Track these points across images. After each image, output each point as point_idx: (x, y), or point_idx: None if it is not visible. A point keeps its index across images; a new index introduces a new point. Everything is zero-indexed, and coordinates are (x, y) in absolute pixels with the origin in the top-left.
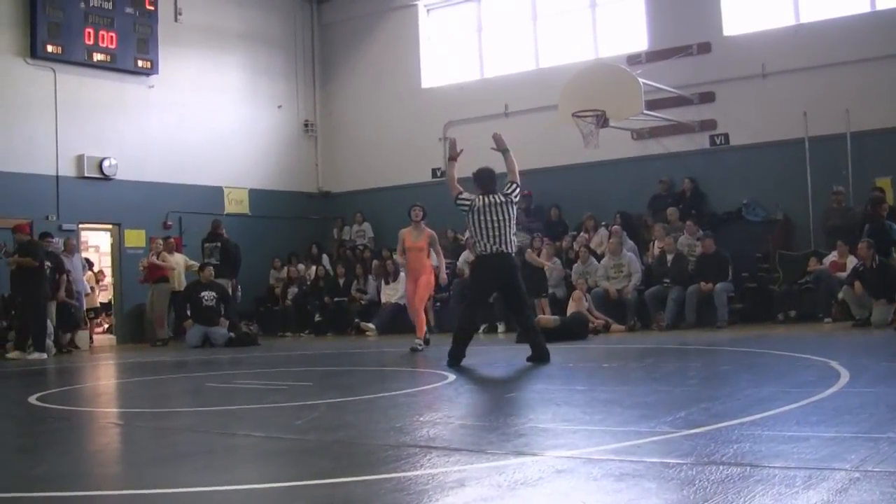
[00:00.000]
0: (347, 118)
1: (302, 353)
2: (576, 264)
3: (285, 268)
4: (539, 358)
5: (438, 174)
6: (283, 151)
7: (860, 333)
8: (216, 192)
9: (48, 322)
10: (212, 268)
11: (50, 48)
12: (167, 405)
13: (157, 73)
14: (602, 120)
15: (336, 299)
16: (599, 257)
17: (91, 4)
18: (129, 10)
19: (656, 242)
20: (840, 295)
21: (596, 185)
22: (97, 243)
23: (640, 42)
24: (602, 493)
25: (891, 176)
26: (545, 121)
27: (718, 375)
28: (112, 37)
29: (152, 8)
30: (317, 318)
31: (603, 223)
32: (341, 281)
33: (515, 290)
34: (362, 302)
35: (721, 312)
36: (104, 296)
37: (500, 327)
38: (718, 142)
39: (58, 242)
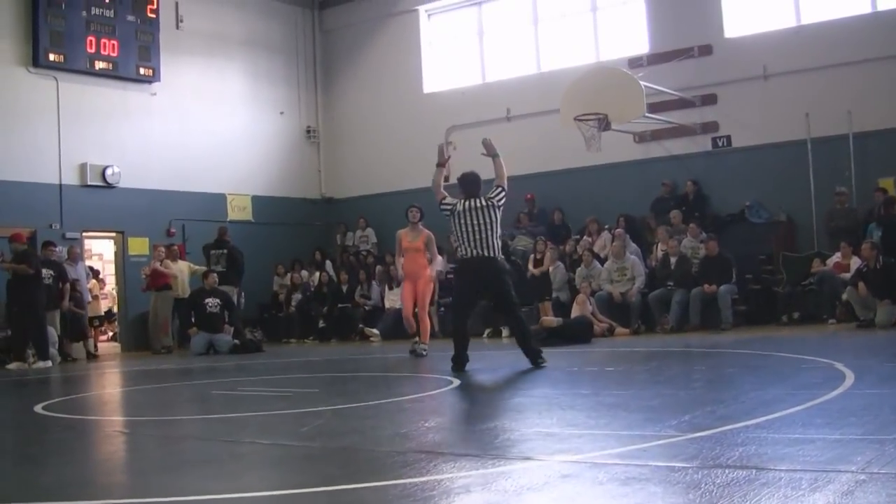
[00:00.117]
0: (349, 124)
1: (306, 359)
2: (579, 268)
3: (289, 274)
4: (533, 362)
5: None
6: (286, 157)
7: (864, 334)
8: (219, 199)
9: (52, 331)
10: (216, 275)
11: (52, 56)
12: (172, 413)
13: (159, 80)
14: (604, 123)
15: (340, 305)
16: (603, 260)
17: (93, 12)
18: (130, 17)
19: (660, 245)
20: (844, 296)
21: (599, 189)
22: (101, 251)
23: (641, 45)
24: (608, 497)
25: (893, 176)
26: (547, 125)
27: (723, 378)
28: (114, 45)
29: (154, 15)
30: (321, 324)
31: (606, 226)
32: (345, 287)
33: (501, 293)
34: (366, 308)
35: (725, 314)
36: (105, 304)
37: (505, 332)
38: (721, 144)
39: (61, 251)
